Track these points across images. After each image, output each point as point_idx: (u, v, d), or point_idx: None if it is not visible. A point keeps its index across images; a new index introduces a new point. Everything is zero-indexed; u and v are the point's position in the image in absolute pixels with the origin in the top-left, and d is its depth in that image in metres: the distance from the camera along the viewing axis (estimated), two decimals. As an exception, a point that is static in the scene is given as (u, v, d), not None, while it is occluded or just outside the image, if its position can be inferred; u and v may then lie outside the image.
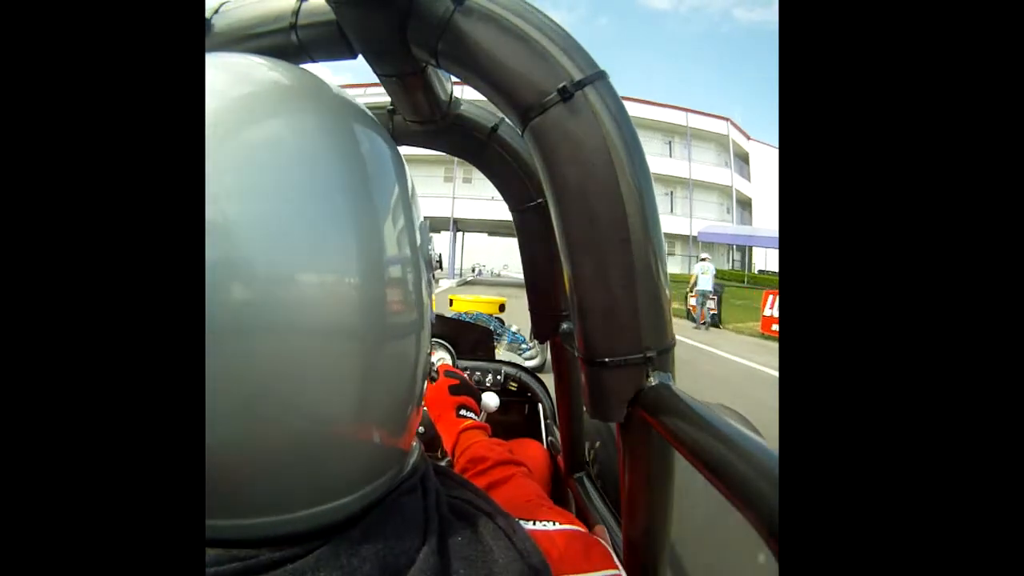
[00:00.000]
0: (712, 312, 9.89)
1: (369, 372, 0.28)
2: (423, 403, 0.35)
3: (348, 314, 0.26)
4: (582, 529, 0.45)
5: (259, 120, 0.26)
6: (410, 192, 0.32)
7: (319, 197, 0.26)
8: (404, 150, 0.39)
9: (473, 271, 32.39)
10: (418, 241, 0.31)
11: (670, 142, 26.58)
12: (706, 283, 9.70)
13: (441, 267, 0.36)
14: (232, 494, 0.26)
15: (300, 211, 0.25)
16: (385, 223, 0.29)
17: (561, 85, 0.35)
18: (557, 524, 0.43)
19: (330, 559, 0.25)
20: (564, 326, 0.74)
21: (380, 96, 0.59)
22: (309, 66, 0.37)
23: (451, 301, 5.15)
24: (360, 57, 0.44)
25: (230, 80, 0.27)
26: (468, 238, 32.19)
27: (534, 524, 0.42)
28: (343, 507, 0.28)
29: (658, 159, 24.89)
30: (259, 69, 0.29)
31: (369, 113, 0.32)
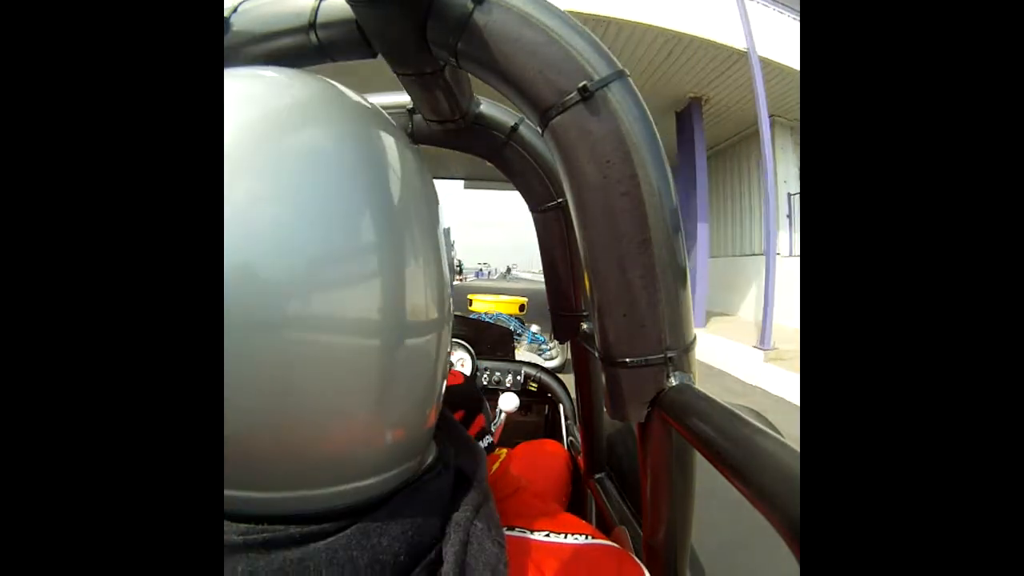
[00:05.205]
0: None
1: (390, 367, 0.29)
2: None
3: (370, 312, 0.27)
4: (615, 545, 0.44)
5: (282, 130, 0.27)
6: (432, 196, 0.33)
7: (344, 200, 0.26)
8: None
9: (458, 270, 25.43)
10: (439, 243, 0.32)
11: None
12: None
13: (461, 271, 0.36)
14: (258, 470, 0.27)
15: (325, 214, 0.26)
16: (407, 226, 0.29)
17: (582, 84, 0.35)
18: (589, 538, 0.42)
19: (360, 538, 0.26)
20: (584, 326, 0.74)
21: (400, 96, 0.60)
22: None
23: (471, 301, 5.16)
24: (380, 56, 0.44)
25: (249, 91, 0.28)
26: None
27: (565, 537, 0.41)
28: (366, 488, 0.29)
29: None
30: (276, 80, 0.29)
31: (391, 120, 0.33)
